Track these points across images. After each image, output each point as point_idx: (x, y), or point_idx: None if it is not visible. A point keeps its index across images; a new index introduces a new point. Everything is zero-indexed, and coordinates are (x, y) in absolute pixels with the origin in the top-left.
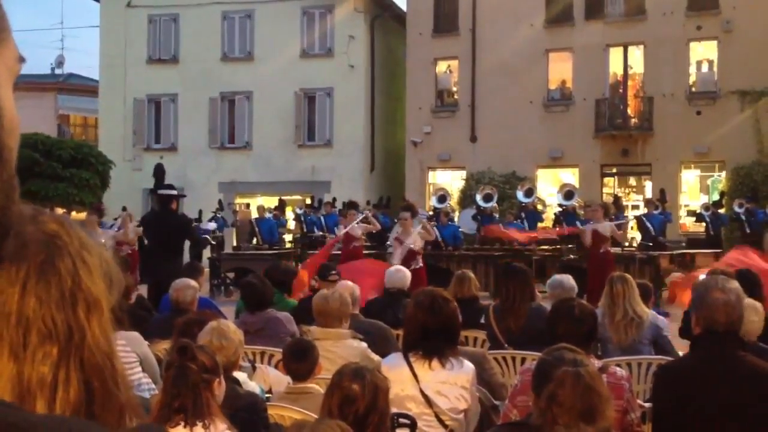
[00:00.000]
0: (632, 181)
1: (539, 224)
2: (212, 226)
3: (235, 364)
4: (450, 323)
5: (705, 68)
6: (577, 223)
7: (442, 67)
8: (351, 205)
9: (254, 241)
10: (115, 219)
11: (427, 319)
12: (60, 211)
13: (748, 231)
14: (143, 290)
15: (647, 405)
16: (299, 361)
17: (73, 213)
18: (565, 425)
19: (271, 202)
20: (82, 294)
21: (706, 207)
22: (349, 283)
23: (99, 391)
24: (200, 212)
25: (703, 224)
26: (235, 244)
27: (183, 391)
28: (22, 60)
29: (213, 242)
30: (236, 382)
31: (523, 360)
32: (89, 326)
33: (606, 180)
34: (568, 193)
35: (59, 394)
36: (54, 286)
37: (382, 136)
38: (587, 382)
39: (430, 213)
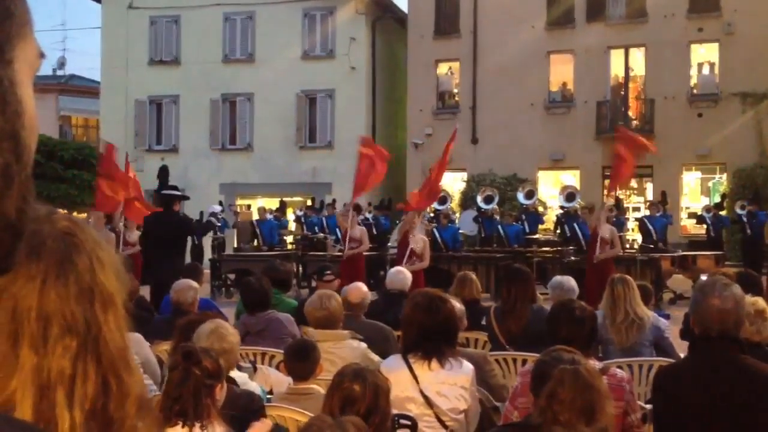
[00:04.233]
0: (633, 183)
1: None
2: (218, 208)
3: (233, 365)
4: (448, 323)
5: (706, 70)
6: (575, 225)
7: (443, 68)
8: (355, 208)
9: (255, 242)
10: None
11: (425, 320)
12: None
13: (749, 233)
14: (145, 291)
15: (648, 406)
16: (300, 361)
17: (74, 214)
18: (565, 423)
19: (272, 203)
20: (98, 289)
21: (707, 209)
22: (362, 287)
23: (114, 386)
24: (201, 213)
25: (704, 226)
26: (235, 245)
27: (185, 395)
28: (42, 56)
29: (218, 224)
30: (232, 381)
31: (524, 361)
32: (105, 321)
33: (607, 182)
34: (570, 195)
35: (77, 387)
36: (72, 281)
37: (383, 137)
38: (586, 379)
39: (431, 215)
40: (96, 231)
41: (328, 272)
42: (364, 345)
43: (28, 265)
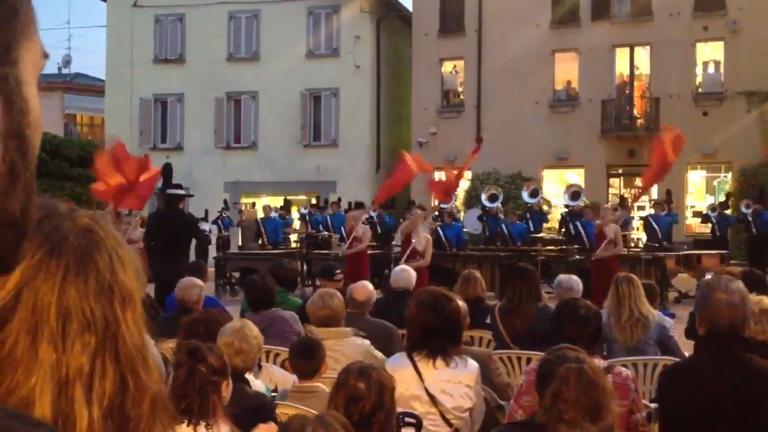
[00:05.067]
0: (638, 181)
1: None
2: (206, 227)
3: (251, 367)
4: (453, 322)
5: (711, 69)
6: (580, 224)
7: (447, 67)
8: (358, 206)
9: (260, 240)
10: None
11: (430, 319)
12: None
13: (754, 232)
14: (150, 289)
15: (653, 405)
16: (306, 359)
17: (90, 212)
18: (570, 421)
19: (277, 201)
20: (118, 287)
21: (712, 208)
22: (368, 285)
23: (131, 384)
24: (206, 212)
25: (710, 225)
26: (240, 243)
27: (190, 392)
28: (46, 56)
29: (211, 242)
30: (246, 382)
31: (529, 360)
32: (124, 319)
33: (612, 181)
34: (575, 194)
35: (96, 384)
36: (92, 278)
37: (387, 136)
38: (591, 378)
39: (436, 213)
40: (116, 229)
41: (338, 271)
42: (367, 342)
43: (48, 261)
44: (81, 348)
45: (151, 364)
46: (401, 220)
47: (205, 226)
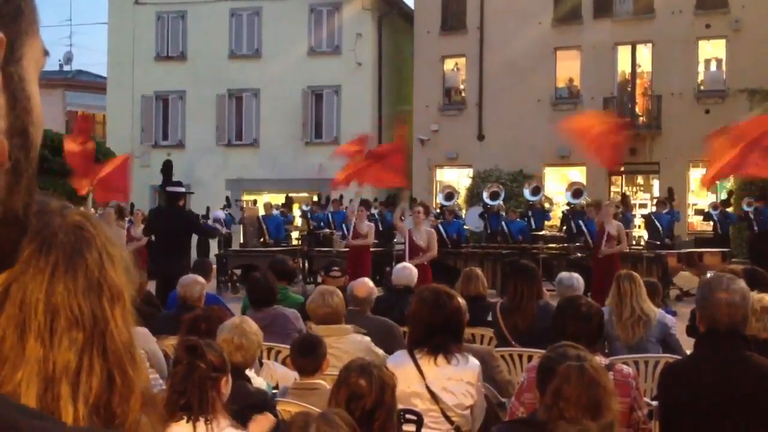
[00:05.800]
0: (640, 179)
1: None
2: (221, 215)
3: (251, 364)
4: (454, 319)
5: (713, 67)
6: (582, 222)
7: (449, 65)
8: (363, 203)
9: (261, 238)
10: (130, 214)
11: (431, 316)
12: None
13: (756, 229)
14: (151, 286)
15: (654, 403)
16: (307, 356)
17: (81, 209)
18: (570, 419)
19: (278, 199)
20: (107, 285)
21: (714, 206)
22: (368, 282)
23: (119, 381)
24: (207, 209)
25: (711, 223)
26: (242, 241)
27: (189, 388)
28: (46, 53)
29: (224, 233)
30: (247, 379)
31: (530, 358)
32: (112, 316)
33: (614, 179)
34: (577, 192)
35: (82, 381)
36: (81, 275)
37: (389, 134)
38: (592, 376)
39: (437, 211)
40: (107, 226)
41: (335, 268)
42: (367, 338)
43: (38, 258)
44: (68, 344)
45: (138, 361)
46: (402, 218)
47: (219, 214)
